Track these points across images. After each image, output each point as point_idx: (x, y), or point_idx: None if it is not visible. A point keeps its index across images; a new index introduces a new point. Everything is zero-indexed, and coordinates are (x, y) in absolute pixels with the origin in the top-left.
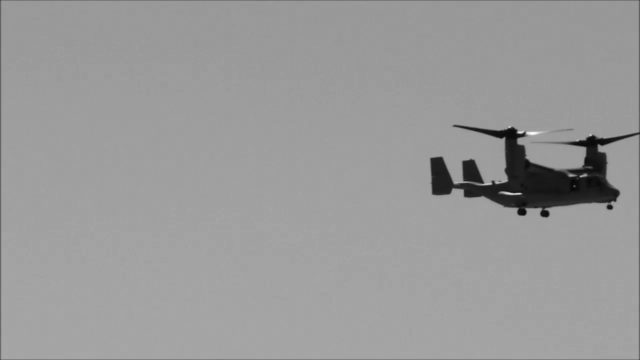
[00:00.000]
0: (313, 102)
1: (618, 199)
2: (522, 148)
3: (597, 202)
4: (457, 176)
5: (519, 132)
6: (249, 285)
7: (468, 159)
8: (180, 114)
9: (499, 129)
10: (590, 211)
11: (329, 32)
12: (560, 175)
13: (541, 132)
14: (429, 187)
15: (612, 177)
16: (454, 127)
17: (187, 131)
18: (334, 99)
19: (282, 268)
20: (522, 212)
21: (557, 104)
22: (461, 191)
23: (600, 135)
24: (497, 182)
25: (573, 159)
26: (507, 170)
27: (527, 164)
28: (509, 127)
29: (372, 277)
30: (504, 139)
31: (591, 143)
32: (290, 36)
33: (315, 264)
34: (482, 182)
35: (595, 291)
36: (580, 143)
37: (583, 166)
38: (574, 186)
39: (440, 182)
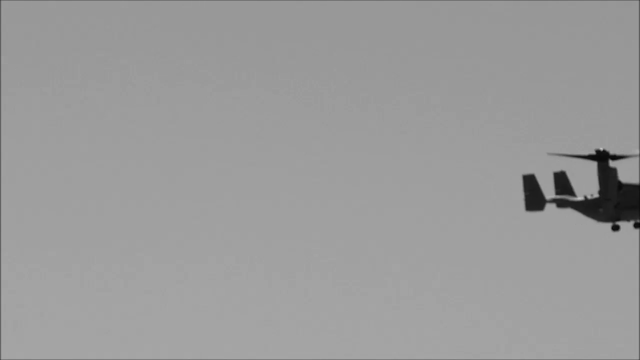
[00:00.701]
0: (406, 119)
1: None
2: (614, 170)
3: None
4: (548, 186)
5: (611, 154)
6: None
7: (559, 170)
8: (181, 115)
9: (590, 153)
10: None
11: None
12: None
13: (632, 154)
14: (521, 203)
15: None
16: (548, 154)
17: (190, 133)
18: (418, 118)
19: (382, 284)
20: (615, 228)
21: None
22: (553, 204)
23: None
24: (589, 197)
25: None
26: (601, 193)
27: (620, 185)
28: (601, 149)
29: (468, 292)
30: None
31: None
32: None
33: (410, 282)
34: (574, 193)
35: None
36: None
37: None
38: None
39: (534, 199)
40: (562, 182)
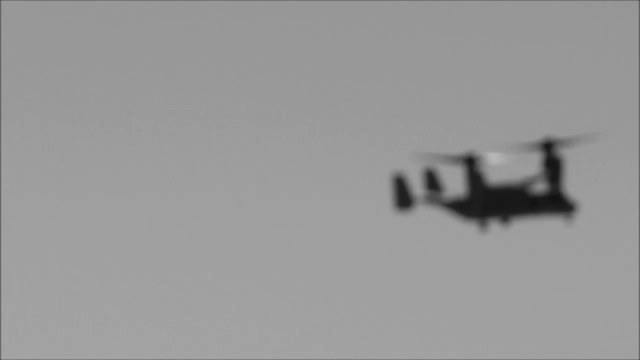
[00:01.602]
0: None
1: (577, 212)
2: (481, 174)
3: (556, 216)
4: (418, 183)
5: (478, 157)
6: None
7: (428, 167)
8: (180, 116)
9: (457, 155)
10: (549, 224)
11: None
12: (519, 190)
13: (501, 155)
14: (390, 203)
15: (571, 178)
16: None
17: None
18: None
19: (239, 289)
20: (483, 227)
21: (506, 108)
22: (423, 203)
23: (556, 136)
24: (457, 195)
25: (530, 162)
26: (468, 196)
27: (487, 188)
28: (468, 152)
29: (339, 293)
30: (463, 164)
31: (547, 145)
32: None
33: (271, 282)
34: (443, 190)
35: (545, 307)
36: (536, 146)
37: (541, 170)
38: (534, 200)
39: (402, 197)
40: (431, 179)
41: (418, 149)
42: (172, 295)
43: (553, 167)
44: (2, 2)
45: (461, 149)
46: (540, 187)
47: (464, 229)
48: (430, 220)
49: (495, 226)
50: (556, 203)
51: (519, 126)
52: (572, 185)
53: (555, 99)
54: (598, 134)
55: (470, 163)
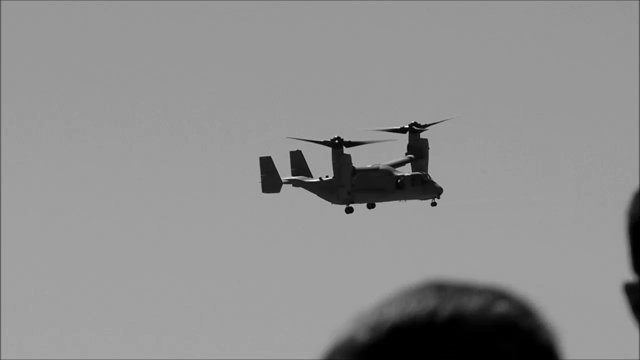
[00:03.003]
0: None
1: (442, 195)
2: (348, 157)
3: (421, 199)
4: (285, 166)
5: (344, 141)
6: None
7: (295, 149)
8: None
9: (326, 139)
10: (414, 206)
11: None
12: (385, 173)
13: (366, 141)
14: (258, 185)
15: (434, 162)
16: (287, 138)
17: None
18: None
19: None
20: (349, 210)
21: (375, 96)
22: (290, 186)
23: (421, 121)
24: (324, 178)
25: (395, 146)
26: (335, 180)
27: (354, 171)
28: (335, 136)
29: (194, 276)
30: (331, 148)
31: (413, 130)
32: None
33: (141, 267)
34: (310, 173)
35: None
36: (401, 130)
37: (406, 154)
38: (399, 183)
39: (270, 180)
40: (298, 161)
41: (286, 134)
42: (171, 295)
43: (418, 151)
44: (1, 2)
45: (328, 134)
46: (406, 171)
47: (331, 210)
48: (297, 203)
49: (361, 208)
50: (421, 186)
51: (385, 112)
52: (435, 169)
53: (420, 86)
54: (458, 118)
55: (337, 147)
